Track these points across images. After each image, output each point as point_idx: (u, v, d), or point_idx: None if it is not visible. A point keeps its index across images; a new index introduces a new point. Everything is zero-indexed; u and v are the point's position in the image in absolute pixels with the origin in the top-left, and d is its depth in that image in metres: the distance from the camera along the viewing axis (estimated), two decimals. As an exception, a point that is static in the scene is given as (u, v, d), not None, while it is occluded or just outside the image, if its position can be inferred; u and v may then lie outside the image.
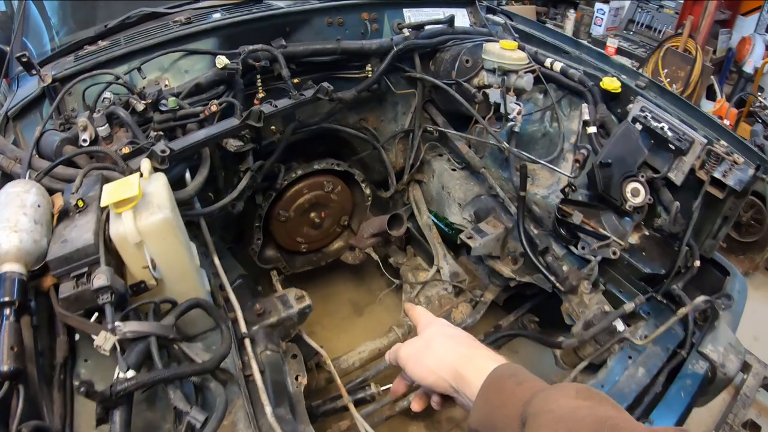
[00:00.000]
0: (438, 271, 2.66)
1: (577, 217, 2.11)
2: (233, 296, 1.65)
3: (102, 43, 2.07)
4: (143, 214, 1.18)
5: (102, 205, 1.16)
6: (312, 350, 1.98)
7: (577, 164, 2.09)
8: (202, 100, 1.85)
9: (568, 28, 7.37)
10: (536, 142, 2.50)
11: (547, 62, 2.37)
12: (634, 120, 2.09)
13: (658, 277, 2.08)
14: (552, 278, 2.15)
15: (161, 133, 1.56)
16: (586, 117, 2.22)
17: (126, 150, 1.43)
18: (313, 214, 2.62)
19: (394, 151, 2.72)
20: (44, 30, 2.46)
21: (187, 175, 1.67)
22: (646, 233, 2.18)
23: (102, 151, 1.46)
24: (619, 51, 6.43)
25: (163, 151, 1.39)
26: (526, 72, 2.18)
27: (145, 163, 1.35)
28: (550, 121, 2.46)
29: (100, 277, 1.04)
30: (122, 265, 1.21)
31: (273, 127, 2.24)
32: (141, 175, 1.27)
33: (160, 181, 1.29)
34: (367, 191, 2.73)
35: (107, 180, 1.32)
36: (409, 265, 2.82)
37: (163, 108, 1.63)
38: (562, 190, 2.14)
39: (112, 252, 1.17)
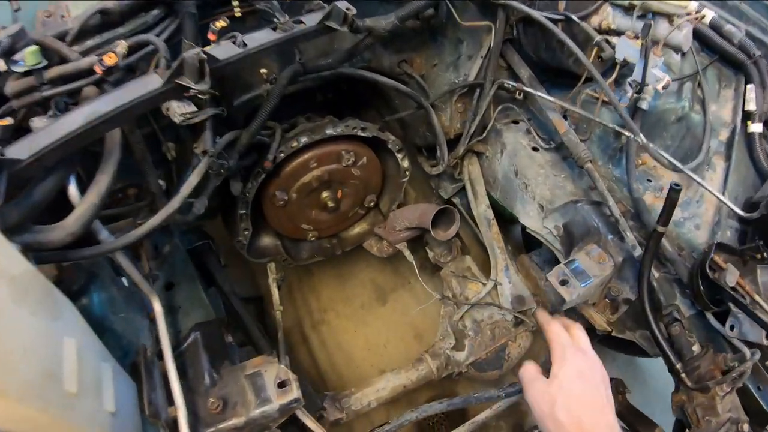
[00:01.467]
0: (495, 287, 1.90)
1: (731, 276, 1.28)
2: (176, 386, 0.98)
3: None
4: None
5: None
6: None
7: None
8: (120, 37, 1.05)
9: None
10: (666, 127, 1.61)
11: (691, 5, 1.42)
12: None
13: None
14: (674, 359, 1.36)
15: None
16: (752, 106, 1.33)
17: None
18: (325, 195, 1.86)
19: (449, 112, 1.87)
20: None
21: (73, 187, 0.92)
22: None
23: None
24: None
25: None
26: (687, 22, 1.27)
27: None
28: (692, 99, 1.56)
29: None
30: None
31: (263, 71, 1.44)
32: None
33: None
34: (405, 164, 1.93)
35: None
36: (454, 268, 2.06)
37: (17, 67, 0.86)
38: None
39: None
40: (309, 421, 1.25)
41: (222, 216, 1.90)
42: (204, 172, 1.18)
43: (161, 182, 1.36)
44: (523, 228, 2.23)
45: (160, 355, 1.12)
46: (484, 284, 1.95)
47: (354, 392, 1.82)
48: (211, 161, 1.19)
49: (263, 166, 1.53)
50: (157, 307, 1.14)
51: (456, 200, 2.16)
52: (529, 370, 1.11)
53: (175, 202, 1.08)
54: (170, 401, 1.06)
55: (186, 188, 1.11)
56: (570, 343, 1.09)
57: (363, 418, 1.98)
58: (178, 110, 1.11)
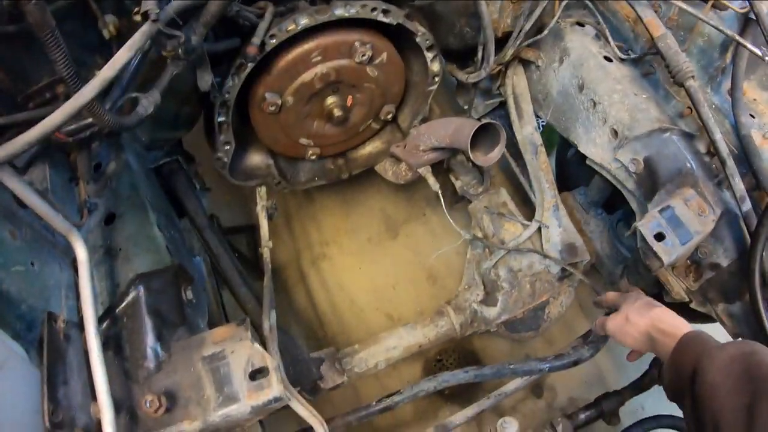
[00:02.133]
0: (539, 230, 1.52)
1: None
2: (100, 372, 0.61)
3: None
4: None
5: None
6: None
7: None
8: None
9: None
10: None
11: None
12: None
13: None
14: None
15: None
16: None
17: None
18: (330, 101, 1.43)
19: (498, 3, 1.41)
20: None
21: None
22: None
23: None
24: None
25: None
26: None
27: None
28: None
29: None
30: None
31: None
32: None
33: None
34: (435, 67, 1.49)
35: None
36: (488, 202, 1.66)
37: None
38: None
39: None
40: (301, 409, 0.89)
41: (205, 128, 1.48)
42: (144, 47, 0.75)
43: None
44: (562, 162, 1.80)
45: (82, 326, 0.74)
46: (526, 225, 1.56)
47: (358, 350, 1.49)
48: (156, 29, 0.75)
49: (247, 53, 1.10)
50: (80, 252, 0.75)
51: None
52: (599, 321, 1.28)
53: (90, 89, 0.66)
54: (93, 395, 0.70)
55: (109, 68, 0.69)
56: (633, 293, 1.25)
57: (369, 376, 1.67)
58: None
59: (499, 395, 1.54)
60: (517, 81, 1.67)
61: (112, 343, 0.80)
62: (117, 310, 0.82)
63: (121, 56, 0.71)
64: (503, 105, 1.86)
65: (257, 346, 0.79)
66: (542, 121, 1.85)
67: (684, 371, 0.91)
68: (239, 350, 0.78)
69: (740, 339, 1.01)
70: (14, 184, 0.71)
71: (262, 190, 1.59)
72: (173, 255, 1.01)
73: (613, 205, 1.84)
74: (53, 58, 0.73)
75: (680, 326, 1.03)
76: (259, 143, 1.54)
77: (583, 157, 1.81)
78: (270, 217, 1.60)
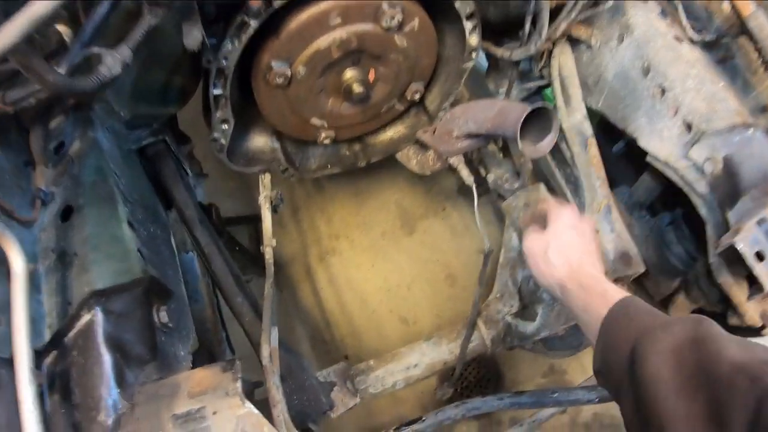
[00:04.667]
0: (587, 235, 1.30)
1: None
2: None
3: None
4: None
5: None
6: None
7: None
8: None
9: None
10: None
11: None
12: None
13: None
14: None
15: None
16: None
17: None
18: (349, 75, 1.21)
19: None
20: None
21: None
22: None
23: None
24: None
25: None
26: None
27: None
28: None
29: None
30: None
31: None
32: None
33: None
34: (474, 39, 1.26)
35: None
36: (525, 199, 1.45)
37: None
38: None
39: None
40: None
41: (203, 103, 1.26)
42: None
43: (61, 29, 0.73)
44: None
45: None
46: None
47: (374, 367, 1.28)
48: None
49: (249, 7, 0.87)
50: (15, 261, 0.54)
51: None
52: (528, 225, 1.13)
53: (13, 30, 0.44)
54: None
55: (44, 5, 0.46)
56: (567, 206, 1.09)
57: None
58: None
59: (534, 421, 1.34)
60: (564, 62, 1.45)
61: (58, 384, 0.59)
62: (66, 339, 0.61)
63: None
64: (539, 91, 1.65)
65: (250, 406, 0.58)
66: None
67: (618, 353, 0.74)
68: (224, 411, 0.57)
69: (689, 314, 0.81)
70: None
71: (266, 178, 1.37)
72: (148, 261, 0.79)
73: (652, 207, 1.64)
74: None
75: (608, 287, 0.87)
76: (263, 123, 1.32)
77: (631, 152, 1.60)
78: (275, 210, 1.39)
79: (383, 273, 2.07)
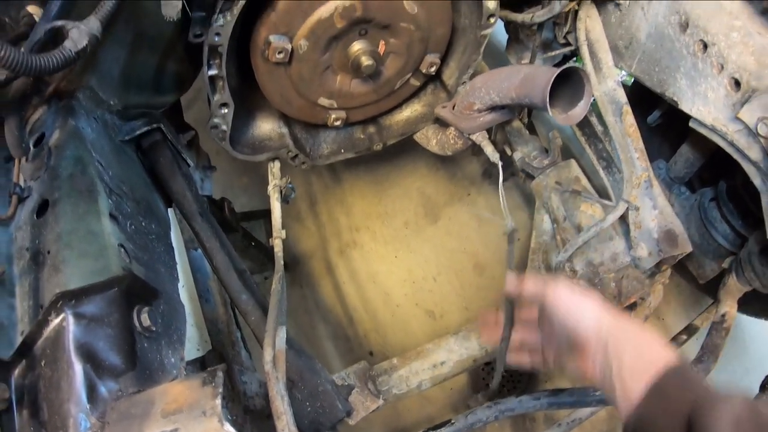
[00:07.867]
0: (626, 212, 1.20)
1: None
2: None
3: None
4: None
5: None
6: None
7: None
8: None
9: None
10: None
11: None
12: None
13: None
14: None
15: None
16: None
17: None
18: (357, 47, 1.11)
19: None
20: None
21: None
22: None
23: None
24: None
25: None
26: None
27: None
28: None
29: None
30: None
31: None
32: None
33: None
34: (491, 3, 1.14)
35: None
36: (557, 177, 1.34)
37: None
38: None
39: None
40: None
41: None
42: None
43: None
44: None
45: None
46: (609, 207, 1.23)
47: (397, 366, 1.19)
48: None
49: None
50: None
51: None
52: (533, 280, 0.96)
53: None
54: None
55: None
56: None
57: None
58: None
59: (572, 422, 1.22)
60: (591, 25, 1.33)
61: (27, 399, 0.51)
62: (35, 347, 0.53)
63: None
64: (565, 61, 1.53)
65: (230, 429, 0.48)
66: (622, 76, 1.51)
67: (671, 420, 0.70)
68: (197, 427, 0.48)
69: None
70: None
71: (274, 166, 1.29)
72: (133, 258, 0.70)
73: (690, 183, 1.51)
74: None
75: (658, 348, 0.78)
76: (269, 107, 1.23)
77: (667, 123, 1.47)
78: (285, 199, 1.31)
79: (407, 265, 1.98)
